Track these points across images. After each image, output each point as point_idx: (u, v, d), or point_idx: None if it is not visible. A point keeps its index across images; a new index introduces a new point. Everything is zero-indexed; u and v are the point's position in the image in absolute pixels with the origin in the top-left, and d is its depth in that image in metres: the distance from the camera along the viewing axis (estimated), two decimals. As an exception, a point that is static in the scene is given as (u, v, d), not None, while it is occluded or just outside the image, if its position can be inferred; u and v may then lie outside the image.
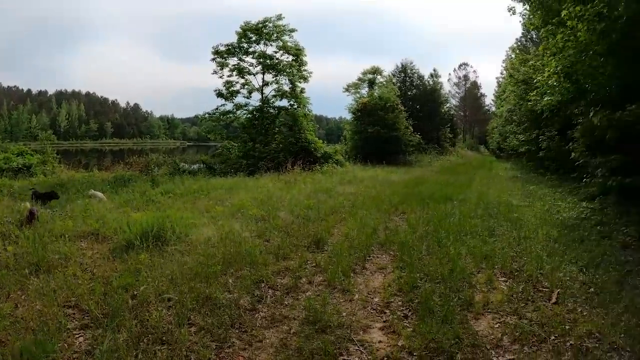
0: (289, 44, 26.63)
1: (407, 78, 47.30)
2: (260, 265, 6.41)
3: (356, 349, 4.23)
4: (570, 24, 9.68)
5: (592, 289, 5.52)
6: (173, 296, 5.16)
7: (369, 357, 4.10)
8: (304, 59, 26.97)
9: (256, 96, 27.03)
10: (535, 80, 14.95)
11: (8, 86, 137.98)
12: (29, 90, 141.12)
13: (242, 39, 26.42)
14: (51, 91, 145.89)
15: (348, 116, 38.05)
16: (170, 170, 20.15)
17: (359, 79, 40.60)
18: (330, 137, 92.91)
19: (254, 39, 26.48)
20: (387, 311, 5.10)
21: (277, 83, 27.09)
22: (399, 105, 33.82)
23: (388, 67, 72.41)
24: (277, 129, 26.78)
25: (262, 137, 25.55)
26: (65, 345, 4.12)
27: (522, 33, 35.44)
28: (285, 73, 26.73)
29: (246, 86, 26.77)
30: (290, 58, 26.85)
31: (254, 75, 26.99)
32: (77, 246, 7.24)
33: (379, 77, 40.41)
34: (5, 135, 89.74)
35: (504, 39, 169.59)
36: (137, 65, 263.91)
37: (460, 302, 5.17)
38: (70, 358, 3.95)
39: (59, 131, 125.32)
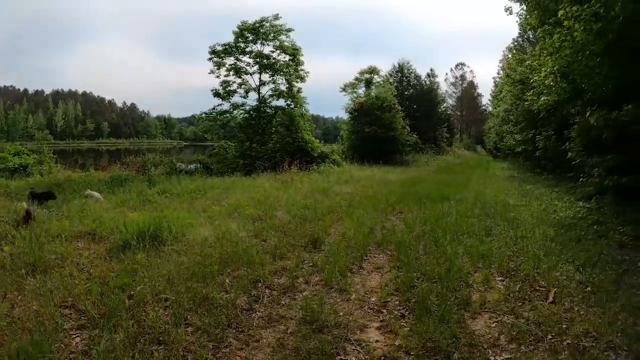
0: (285, 43, 26.65)
1: (404, 78, 47.33)
2: (257, 265, 6.41)
3: (353, 349, 4.23)
4: (567, 24, 9.70)
5: (589, 288, 5.53)
6: (170, 296, 5.15)
7: (366, 356, 4.10)
8: (301, 58, 27.02)
9: (253, 96, 27.08)
10: (532, 80, 15.00)
11: (4, 86, 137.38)
12: (25, 90, 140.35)
13: (239, 39, 26.39)
14: (48, 91, 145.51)
15: (345, 116, 38.20)
16: (167, 170, 20.15)
17: (356, 79, 40.64)
18: (327, 137, 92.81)
19: (250, 38, 26.48)
20: (384, 311, 5.10)
21: (274, 83, 27.13)
22: (396, 105, 33.83)
23: (385, 66, 72.33)
24: (274, 128, 26.80)
25: (259, 136, 25.55)
26: (62, 345, 4.11)
27: (519, 33, 35.53)
28: (282, 73, 26.74)
29: (243, 86, 26.77)
30: (287, 58, 26.86)
31: (251, 75, 27.04)
32: (73, 246, 7.23)
33: (375, 76, 40.46)
34: (1, 135, 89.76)
35: (500, 39, 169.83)
36: (134, 65, 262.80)
37: (457, 302, 5.18)
38: (67, 358, 3.94)
39: (56, 131, 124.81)
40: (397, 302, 5.34)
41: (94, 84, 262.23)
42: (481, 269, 6.40)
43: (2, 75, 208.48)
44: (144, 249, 6.83)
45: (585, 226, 8.90)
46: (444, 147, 48.86)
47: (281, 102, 27.05)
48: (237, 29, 26.34)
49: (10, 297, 5.17)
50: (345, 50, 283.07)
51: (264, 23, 26.25)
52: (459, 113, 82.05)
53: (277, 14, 26.42)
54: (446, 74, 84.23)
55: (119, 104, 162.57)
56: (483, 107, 78.35)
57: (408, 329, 4.58)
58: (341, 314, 4.96)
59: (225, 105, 26.70)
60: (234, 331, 4.53)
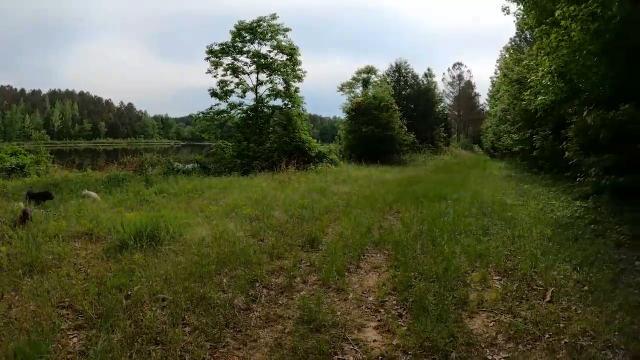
0: (283, 43, 26.70)
1: (402, 77, 47.45)
2: (255, 264, 6.40)
3: (351, 348, 4.23)
4: (564, 24, 9.71)
5: (586, 287, 5.54)
6: (167, 296, 5.14)
7: (364, 356, 4.10)
8: (298, 58, 27.09)
9: (250, 95, 27.14)
10: (529, 80, 14.99)
11: (1, 86, 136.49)
12: (22, 90, 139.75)
13: (237, 38, 26.42)
14: (45, 91, 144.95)
15: (342, 116, 38.24)
16: (164, 169, 20.09)
17: (353, 79, 40.72)
18: (325, 137, 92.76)
19: (248, 38, 26.51)
20: (382, 310, 5.11)
21: (271, 82, 27.20)
22: (393, 105, 33.89)
23: (382, 66, 72.49)
24: (271, 128, 26.83)
25: (256, 136, 25.57)
26: (59, 345, 4.10)
27: (516, 33, 35.62)
28: (279, 72, 26.80)
29: (240, 85, 26.81)
30: (285, 57, 26.94)
31: (248, 75, 27.10)
32: (70, 246, 7.21)
33: (373, 76, 40.58)
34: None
35: (498, 39, 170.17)
36: (131, 64, 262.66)
37: (454, 301, 5.18)
38: (64, 359, 3.93)
39: (53, 131, 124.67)
40: (394, 302, 5.35)
41: (91, 83, 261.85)
42: (479, 268, 6.40)
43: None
44: (141, 249, 6.82)
45: (582, 225, 8.91)
46: (441, 146, 48.96)
47: (278, 102, 27.21)
48: (234, 29, 26.36)
49: (7, 297, 5.15)
50: (343, 50, 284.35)
51: (261, 23, 26.29)
52: (456, 113, 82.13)
53: (275, 14, 26.53)
54: (443, 73, 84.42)
55: (116, 104, 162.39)
56: (480, 107, 78.42)
57: (405, 328, 4.58)
58: (339, 313, 4.96)
59: (223, 105, 26.83)
60: (231, 331, 4.52)
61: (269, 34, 26.44)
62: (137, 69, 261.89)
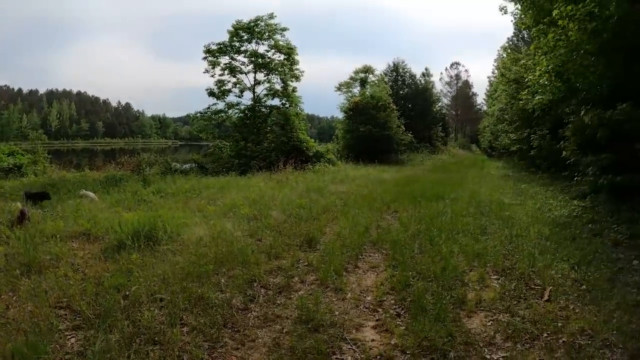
0: (280, 42, 26.70)
1: (399, 77, 47.43)
2: (253, 264, 6.40)
3: (349, 348, 4.23)
4: (562, 24, 9.72)
5: (584, 287, 5.55)
6: (165, 296, 5.13)
7: (362, 355, 4.10)
8: (296, 57, 27.07)
9: (248, 95, 27.17)
10: (526, 79, 15.00)
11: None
12: (19, 90, 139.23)
13: (234, 38, 26.41)
14: (42, 90, 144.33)
15: (340, 115, 38.19)
16: (162, 169, 20.07)
17: (351, 78, 40.69)
18: (322, 136, 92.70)
19: (245, 37, 26.50)
20: (380, 310, 5.11)
21: (268, 82, 27.22)
22: (391, 104, 33.87)
23: (380, 66, 72.71)
24: (268, 128, 26.83)
25: (254, 136, 25.53)
26: (57, 346, 4.09)
27: (514, 32, 35.66)
28: (276, 72, 26.80)
29: (238, 85, 26.82)
30: (282, 57, 26.93)
31: (246, 74, 27.10)
32: (68, 246, 7.20)
33: (370, 76, 40.53)
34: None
35: (496, 38, 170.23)
36: (129, 64, 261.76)
37: (452, 300, 5.19)
38: (62, 359, 3.92)
39: (50, 131, 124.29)
40: (392, 301, 5.35)
41: (88, 83, 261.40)
42: (476, 267, 6.41)
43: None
44: (139, 248, 6.81)
45: (580, 225, 8.93)
46: (439, 146, 48.96)
47: (276, 102, 27.21)
48: (232, 28, 26.33)
49: (5, 297, 5.15)
50: (340, 50, 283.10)
51: (258, 22, 26.28)
52: (453, 112, 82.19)
53: (272, 13, 26.55)
54: (441, 73, 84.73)
55: (114, 104, 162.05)
56: (478, 107, 78.38)
57: (404, 327, 4.58)
58: (337, 313, 4.96)
59: (220, 105, 26.82)
60: (229, 331, 4.52)
61: (267, 34, 26.44)
62: (134, 68, 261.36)
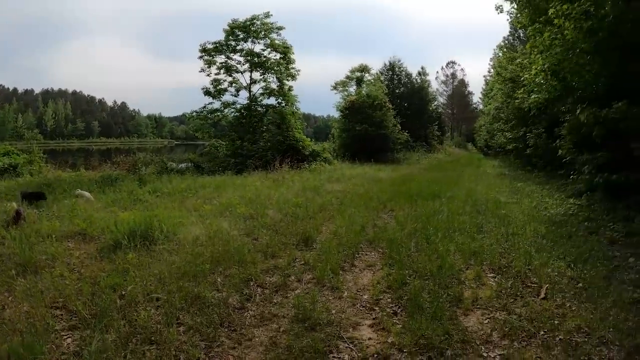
0: (276, 41, 26.64)
1: (395, 76, 47.41)
2: (249, 263, 6.39)
3: (346, 347, 4.23)
4: (557, 22, 9.73)
5: (580, 284, 5.56)
6: (161, 296, 5.12)
7: (359, 354, 4.09)
8: (292, 56, 27.05)
9: (244, 94, 27.12)
10: (522, 78, 15.01)
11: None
12: (15, 89, 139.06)
13: (230, 37, 26.36)
14: (37, 90, 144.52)
15: (336, 114, 38.07)
16: (158, 169, 20.02)
17: (347, 77, 40.54)
18: (319, 135, 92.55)
19: (241, 36, 26.46)
20: (377, 308, 5.10)
21: (264, 81, 27.19)
22: (387, 103, 33.84)
23: (376, 65, 72.57)
24: (265, 127, 26.79)
25: (250, 135, 25.50)
26: (53, 346, 4.07)
27: (510, 31, 35.61)
28: (273, 71, 26.78)
29: (234, 84, 26.77)
30: (278, 56, 26.91)
31: (242, 73, 27.06)
32: (64, 246, 7.17)
33: (367, 75, 40.39)
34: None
35: (492, 37, 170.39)
36: (124, 63, 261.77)
37: (449, 299, 5.19)
38: (58, 359, 3.91)
39: (46, 130, 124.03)
40: (389, 300, 5.35)
41: (84, 83, 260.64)
42: (473, 265, 6.42)
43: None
44: (135, 248, 6.79)
45: (576, 223, 8.96)
46: (435, 145, 49.07)
47: (272, 101, 27.20)
48: (227, 27, 26.28)
49: (0, 298, 5.12)
50: (337, 49, 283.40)
51: (254, 21, 26.23)
52: (449, 111, 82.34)
53: (268, 12, 26.49)
54: (437, 72, 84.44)
55: (110, 103, 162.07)
56: (474, 105, 78.66)
57: (400, 326, 4.58)
58: (333, 311, 4.96)
59: (216, 104, 26.78)
60: (226, 330, 4.51)
61: (263, 32, 26.39)
62: (130, 68, 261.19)
